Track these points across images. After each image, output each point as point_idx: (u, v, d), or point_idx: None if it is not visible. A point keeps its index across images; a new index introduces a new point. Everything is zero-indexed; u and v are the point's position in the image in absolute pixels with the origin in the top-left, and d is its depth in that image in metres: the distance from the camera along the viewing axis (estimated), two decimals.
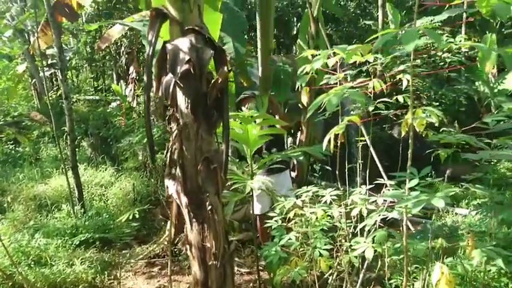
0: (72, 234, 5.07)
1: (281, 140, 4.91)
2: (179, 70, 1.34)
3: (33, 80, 10.91)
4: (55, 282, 4.04)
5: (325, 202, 2.98)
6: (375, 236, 2.13)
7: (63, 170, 5.90)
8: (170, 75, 1.36)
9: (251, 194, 3.72)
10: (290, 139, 8.01)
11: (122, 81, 8.29)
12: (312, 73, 2.41)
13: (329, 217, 2.84)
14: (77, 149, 7.82)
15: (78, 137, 8.14)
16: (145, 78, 1.35)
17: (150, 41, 1.38)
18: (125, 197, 6.43)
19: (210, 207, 1.40)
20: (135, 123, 6.85)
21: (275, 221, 3.32)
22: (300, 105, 6.25)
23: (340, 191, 2.81)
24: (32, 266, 4.24)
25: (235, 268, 4.49)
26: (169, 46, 1.37)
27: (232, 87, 5.58)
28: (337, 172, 3.16)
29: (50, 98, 9.11)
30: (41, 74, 8.94)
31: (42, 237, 4.83)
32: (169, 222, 5.16)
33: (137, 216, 3.64)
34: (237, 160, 3.79)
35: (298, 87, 4.62)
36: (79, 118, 8.67)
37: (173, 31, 1.44)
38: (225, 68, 1.42)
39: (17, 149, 8.74)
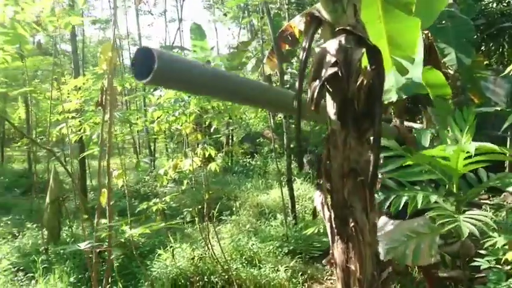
0: (282, 243, 5.45)
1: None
2: (324, 73, 1.27)
3: None
4: (260, 284, 4.41)
5: None
6: None
7: (281, 182, 6.45)
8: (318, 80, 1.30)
9: None
10: None
11: None
12: None
13: None
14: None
15: None
16: (297, 84, 1.33)
17: (303, 47, 1.36)
18: None
19: (352, 224, 1.25)
20: None
21: (487, 260, 2.74)
22: None
23: None
24: (244, 265, 4.76)
25: None
26: (317, 50, 1.31)
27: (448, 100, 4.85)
28: None
29: (279, 119, 10.19)
30: None
31: (257, 241, 5.38)
32: None
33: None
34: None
35: None
36: (301, 136, 9.36)
37: (325, 34, 1.37)
38: (376, 69, 1.25)
39: (251, 162, 10.08)
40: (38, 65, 7.76)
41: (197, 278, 4.46)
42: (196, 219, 4.99)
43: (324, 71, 1.28)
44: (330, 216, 1.29)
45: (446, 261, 4.54)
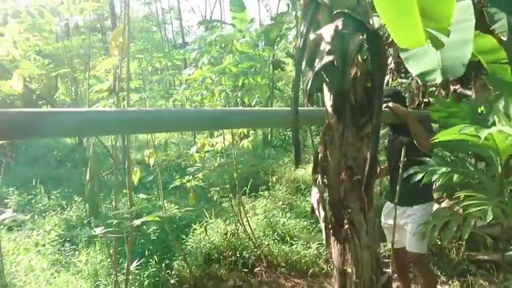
0: (317, 219, 5.38)
1: None
2: (318, 63, 1.16)
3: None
4: (291, 260, 4.42)
5: None
6: None
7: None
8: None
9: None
10: None
11: None
12: None
13: None
14: None
15: None
16: (294, 74, 1.24)
17: (301, 32, 1.25)
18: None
19: (347, 225, 1.17)
20: None
21: None
22: None
23: None
24: (276, 241, 4.78)
25: None
26: (312, 36, 1.20)
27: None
28: None
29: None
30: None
31: (292, 217, 5.37)
32: None
33: None
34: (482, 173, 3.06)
35: None
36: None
37: (323, 18, 1.25)
38: (376, 57, 1.13)
39: (290, 135, 9.96)
40: (81, 44, 7.99)
41: (229, 253, 4.54)
42: (231, 195, 5.03)
43: (318, 60, 1.17)
44: (326, 215, 1.22)
45: (488, 243, 4.31)
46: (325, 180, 1.24)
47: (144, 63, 4.01)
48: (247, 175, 7.12)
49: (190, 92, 4.10)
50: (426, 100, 4.85)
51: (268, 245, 4.67)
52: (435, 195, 5.02)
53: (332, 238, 1.22)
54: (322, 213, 1.22)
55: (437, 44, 2.99)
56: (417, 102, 5.11)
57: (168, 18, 19.42)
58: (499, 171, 2.86)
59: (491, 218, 2.12)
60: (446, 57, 3.49)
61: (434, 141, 2.46)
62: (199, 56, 4.21)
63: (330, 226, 1.21)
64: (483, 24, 5.60)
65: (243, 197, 6.08)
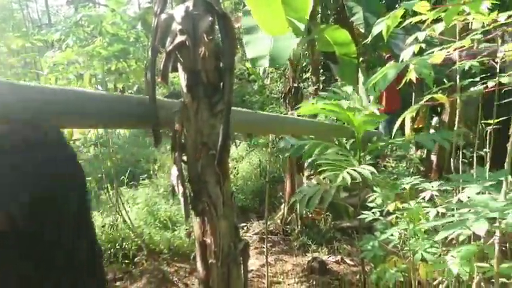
0: None
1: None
2: (170, 43, 1.19)
3: None
4: (174, 246, 4.43)
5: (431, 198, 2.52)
6: (460, 251, 1.63)
7: None
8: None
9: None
10: (435, 119, 7.04)
11: None
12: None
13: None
14: None
15: None
16: (149, 54, 1.24)
17: (155, 12, 1.26)
18: (252, 172, 6.67)
19: (205, 198, 1.24)
20: (265, 101, 6.96)
21: (372, 213, 2.95)
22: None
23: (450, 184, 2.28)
24: (158, 228, 4.73)
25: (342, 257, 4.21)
26: (163, 16, 1.22)
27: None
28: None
29: None
30: None
31: (174, 203, 5.35)
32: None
33: None
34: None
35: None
36: None
37: None
38: (227, 38, 1.20)
39: None
40: None
41: (108, 246, 4.36)
42: (108, 185, 4.80)
43: (169, 40, 1.20)
44: (184, 190, 1.27)
45: (349, 212, 4.90)
46: (184, 157, 1.29)
47: None
48: (127, 164, 6.84)
49: (55, 77, 3.77)
50: (296, 85, 5.21)
51: (149, 233, 4.60)
52: (306, 173, 5.50)
53: (191, 212, 1.28)
54: (181, 189, 1.26)
55: (297, 32, 3.24)
56: (288, 87, 5.44)
57: None
58: (358, 146, 3.26)
59: (337, 183, 2.40)
60: (276, 46, 3.70)
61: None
62: (64, 37, 3.89)
63: (188, 200, 1.26)
64: (344, 17, 6.25)
65: (122, 187, 5.85)
